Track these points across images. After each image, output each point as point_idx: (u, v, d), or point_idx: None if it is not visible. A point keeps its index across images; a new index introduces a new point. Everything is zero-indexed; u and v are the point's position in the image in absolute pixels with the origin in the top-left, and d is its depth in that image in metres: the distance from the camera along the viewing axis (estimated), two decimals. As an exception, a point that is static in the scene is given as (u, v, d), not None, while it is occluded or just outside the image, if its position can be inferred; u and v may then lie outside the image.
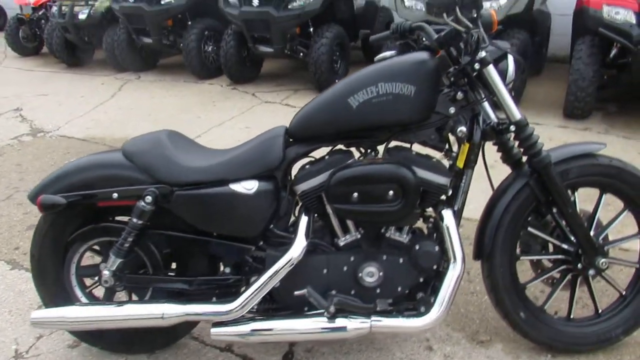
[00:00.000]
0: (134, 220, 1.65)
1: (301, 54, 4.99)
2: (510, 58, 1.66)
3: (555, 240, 1.77)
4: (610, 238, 1.84)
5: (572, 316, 1.83)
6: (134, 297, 1.85)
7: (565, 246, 1.76)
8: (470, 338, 1.94)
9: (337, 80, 4.67)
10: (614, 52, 3.92)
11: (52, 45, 6.57)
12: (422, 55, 1.61)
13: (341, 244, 1.72)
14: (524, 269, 1.95)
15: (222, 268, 1.77)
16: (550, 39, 5.59)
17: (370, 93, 1.58)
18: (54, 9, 6.19)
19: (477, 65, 1.57)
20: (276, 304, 1.76)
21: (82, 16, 6.01)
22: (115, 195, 1.67)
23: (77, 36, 6.23)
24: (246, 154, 1.69)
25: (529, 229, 1.78)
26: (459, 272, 1.64)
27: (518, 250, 1.82)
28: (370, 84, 1.58)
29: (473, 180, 1.69)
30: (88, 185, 1.69)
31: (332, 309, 1.64)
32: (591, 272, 1.75)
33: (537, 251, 1.83)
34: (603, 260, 1.72)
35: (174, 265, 1.85)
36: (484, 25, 1.52)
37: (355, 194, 1.59)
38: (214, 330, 1.67)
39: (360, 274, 1.68)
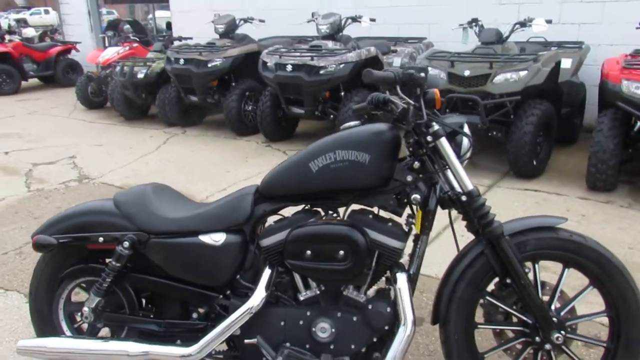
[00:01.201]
0: (113, 262, 1.83)
1: (331, 116, 5.22)
2: (466, 130, 1.76)
3: (515, 311, 1.78)
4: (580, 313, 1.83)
5: (537, 388, 1.80)
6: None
7: (525, 318, 1.76)
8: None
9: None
10: (638, 125, 3.87)
11: (113, 100, 7.23)
12: (379, 126, 1.74)
13: (301, 298, 1.82)
14: (489, 338, 1.95)
15: (192, 314, 1.90)
16: (586, 109, 5.55)
17: (328, 159, 1.72)
18: (117, 68, 6.86)
19: (429, 138, 1.68)
20: (237, 352, 1.85)
21: (140, 75, 6.62)
22: (101, 239, 1.86)
23: (134, 93, 6.83)
24: (218, 208, 1.85)
25: (488, 298, 1.80)
26: (409, 333, 1.68)
27: (482, 319, 1.84)
28: (329, 151, 1.72)
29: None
30: (80, 228, 1.90)
31: (279, 359, 1.72)
32: (547, 346, 1.73)
33: (499, 321, 1.84)
34: (557, 335, 1.70)
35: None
36: (428, 103, 1.64)
37: (309, 252, 1.70)
38: (175, 375, 1.79)
39: (313, 329, 1.76)
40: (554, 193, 4.06)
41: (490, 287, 1.83)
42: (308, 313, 1.78)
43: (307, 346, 1.78)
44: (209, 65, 5.85)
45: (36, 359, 1.90)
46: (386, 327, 1.74)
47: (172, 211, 1.88)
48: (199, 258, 1.81)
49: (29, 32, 11.61)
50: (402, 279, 1.72)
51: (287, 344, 1.78)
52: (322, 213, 1.83)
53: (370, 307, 1.75)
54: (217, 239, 1.81)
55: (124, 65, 6.78)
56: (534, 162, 4.23)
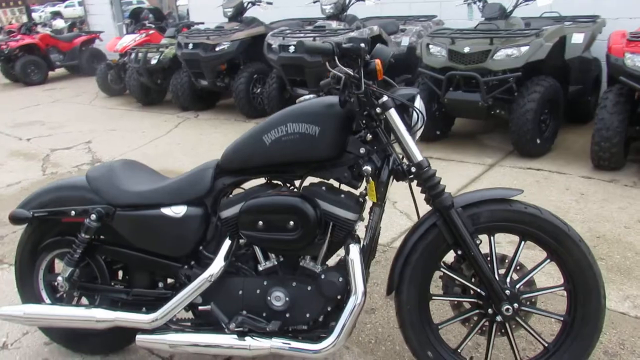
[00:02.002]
0: (82, 234, 1.92)
1: (337, 97, 5.21)
2: (419, 101, 1.75)
3: (471, 283, 1.78)
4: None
5: (489, 358, 1.80)
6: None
7: (479, 290, 1.76)
8: (392, 375, 1.96)
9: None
10: (643, 101, 3.73)
11: (130, 87, 7.40)
12: (331, 99, 1.75)
13: (260, 269, 1.87)
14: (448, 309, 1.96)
15: (159, 283, 1.98)
16: (602, 87, 5.36)
17: (280, 132, 1.75)
18: (132, 55, 7.02)
19: (378, 110, 1.69)
20: (199, 320, 1.92)
21: (154, 61, 6.75)
22: (72, 212, 1.95)
23: (149, 79, 6.98)
24: (180, 182, 1.91)
25: (443, 269, 1.81)
26: (359, 303, 1.71)
27: (442, 291, 1.85)
28: (281, 124, 1.75)
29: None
30: (54, 203, 2.00)
31: (232, 326, 1.78)
32: (498, 318, 1.73)
33: (456, 293, 1.84)
34: (507, 307, 1.69)
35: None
36: (369, 74, 1.64)
37: (260, 222, 1.74)
38: (138, 337, 1.87)
39: (269, 298, 1.81)
40: (557, 172, 3.97)
41: (451, 259, 1.84)
42: (265, 283, 1.83)
43: (264, 314, 1.83)
44: (217, 49, 5.91)
45: (19, 324, 2.01)
46: (339, 297, 1.77)
47: (137, 185, 1.95)
48: (161, 230, 1.87)
49: (59, 23, 11.99)
50: (354, 250, 1.75)
51: (244, 312, 1.83)
52: (281, 186, 1.86)
53: (323, 277, 1.78)
54: (177, 211, 1.87)
55: (138, 52, 6.92)
56: (538, 141, 4.14)
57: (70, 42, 10.90)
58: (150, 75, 6.94)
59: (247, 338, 1.77)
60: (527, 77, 4.09)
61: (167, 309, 1.84)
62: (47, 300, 2.11)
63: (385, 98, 1.68)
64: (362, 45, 1.59)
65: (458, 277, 1.79)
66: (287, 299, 1.80)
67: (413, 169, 1.70)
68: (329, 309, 1.80)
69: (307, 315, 1.81)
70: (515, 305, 1.72)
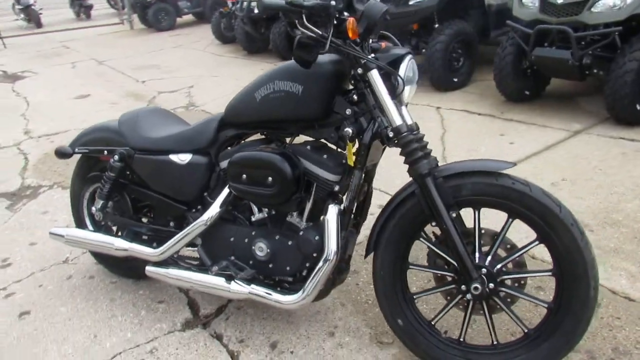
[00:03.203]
0: (108, 172, 2.17)
1: (423, 51, 4.98)
2: (406, 63, 1.66)
3: (448, 256, 1.71)
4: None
5: (462, 339, 1.74)
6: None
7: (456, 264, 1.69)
8: (373, 336, 1.98)
9: (455, 80, 4.61)
10: None
11: (237, 35, 7.75)
12: (319, 58, 1.72)
13: (253, 219, 1.97)
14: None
15: (170, 223, 2.18)
16: None
17: (268, 89, 1.78)
18: (239, 4, 7.29)
19: (360, 70, 1.64)
20: (200, 260, 2.10)
21: (256, 10, 6.96)
22: (105, 152, 2.21)
23: (252, 28, 7.23)
24: (189, 131, 2.05)
25: (422, 239, 1.75)
26: (328, 262, 1.74)
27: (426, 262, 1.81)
28: (270, 81, 1.78)
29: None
30: (93, 142, 2.27)
31: (214, 268, 1.92)
32: (468, 296, 1.65)
33: (439, 265, 1.78)
34: (476, 285, 1.60)
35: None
36: (342, 33, 1.57)
37: (244, 175, 1.82)
38: (147, 268, 2.11)
39: (253, 247, 1.91)
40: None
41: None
42: (253, 233, 1.93)
43: (250, 262, 1.94)
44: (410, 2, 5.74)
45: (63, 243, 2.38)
46: (314, 255, 1.81)
47: (155, 132, 2.13)
48: (169, 174, 2.05)
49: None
50: (332, 210, 1.76)
51: (232, 258, 1.97)
52: (270, 142, 1.91)
53: (301, 233, 1.83)
54: (183, 158, 2.02)
55: (243, 1, 7.17)
56: (638, 107, 3.61)
57: (198, -11, 11.60)
58: (253, 24, 7.19)
59: (232, 282, 1.91)
60: (631, 33, 3.52)
61: (168, 245, 2.04)
62: (90, 227, 2.44)
63: (370, 56, 1.62)
64: (332, 2, 1.53)
65: (436, 248, 1.73)
66: (268, 250, 1.89)
67: (390, 134, 1.64)
68: (307, 264, 1.85)
69: (288, 268, 1.88)
70: (491, 285, 1.62)
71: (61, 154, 2.25)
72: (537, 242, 1.62)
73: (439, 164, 1.67)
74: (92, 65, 8.20)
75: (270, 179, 1.77)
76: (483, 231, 1.72)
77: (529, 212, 1.57)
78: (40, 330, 2.19)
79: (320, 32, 1.55)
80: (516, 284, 1.70)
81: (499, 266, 1.65)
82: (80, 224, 2.47)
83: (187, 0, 11.51)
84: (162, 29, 11.09)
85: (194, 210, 2.09)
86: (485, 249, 1.69)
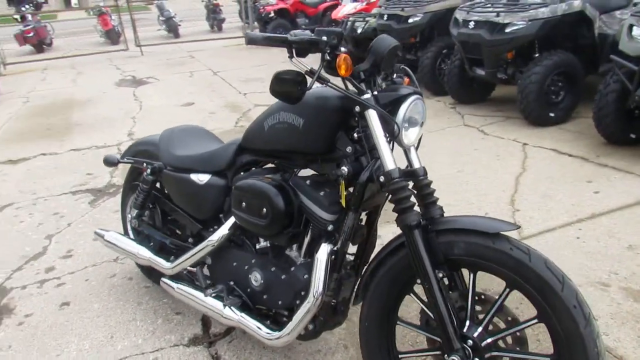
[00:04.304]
0: (141, 184, 2.30)
1: (519, 81, 4.63)
2: (408, 104, 1.54)
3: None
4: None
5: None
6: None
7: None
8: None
9: (551, 115, 4.26)
10: None
11: (340, 53, 7.86)
12: (325, 91, 1.67)
13: (257, 247, 1.96)
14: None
15: (189, 239, 2.25)
16: None
17: (275, 119, 1.77)
18: (344, 23, 7.39)
19: (357, 108, 1.55)
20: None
21: (359, 30, 7.00)
22: (144, 164, 2.35)
23: (355, 48, 7.27)
24: (210, 153, 2.10)
25: (412, 295, 1.60)
26: (310, 305, 1.66)
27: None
28: (277, 111, 1.77)
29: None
30: (138, 154, 2.43)
31: (209, 291, 1.94)
32: (448, 367, 1.46)
33: (430, 326, 1.62)
34: (453, 358, 1.42)
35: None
36: (332, 69, 1.50)
37: (244, 203, 1.82)
38: (162, 279, 2.19)
39: (250, 276, 1.90)
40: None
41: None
42: (253, 261, 1.92)
43: (248, 290, 1.93)
44: (409, 21, 5.79)
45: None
46: (302, 293, 1.74)
47: (183, 150, 2.21)
48: (188, 192, 2.12)
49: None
50: (323, 250, 1.68)
51: (231, 283, 1.97)
52: (276, 172, 1.89)
53: (292, 269, 1.78)
54: (202, 178, 2.07)
55: (348, 21, 7.26)
56: None
57: (316, 8, 12.00)
58: (356, 44, 7.23)
59: (226, 307, 1.91)
60: None
61: (180, 260, 2.10)
62: (131, 233, 2.60)
63: (367, 96, 1.54)
64: (324, 38, 1.47)
65: (427, 308, 1.57)
66: (262, 281, 1.86)
67: (382, 178, 1.53)
68: (297, 301, 1.79)
69: (280, 302, 1.83)
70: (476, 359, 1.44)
71: (108, 162, 2.43)
72: (536, 321, 1.40)
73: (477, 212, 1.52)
74: (207, 75, 8.83)
75: (264, 209, 1.74)
76: (483, 297, 1.54)
77: (527, 284, 1.37)
78: (70, 323, 2.38)
79: (308, 68, 1.50)
80: (511, 361, 1.49)
81: (489, 340, 1.45)
82: (125, 229, 2.65)
83: (305, 18, 11.95)
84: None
85: (210, 229, 2.13)
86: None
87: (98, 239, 2.55)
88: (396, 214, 1.52)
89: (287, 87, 1.50)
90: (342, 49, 1.53)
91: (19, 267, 2.94)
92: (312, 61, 1.36)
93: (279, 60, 9.67)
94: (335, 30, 1.51)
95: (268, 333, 1.78)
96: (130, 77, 9.07)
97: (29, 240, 3.26)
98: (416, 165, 1.61)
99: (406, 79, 1.75)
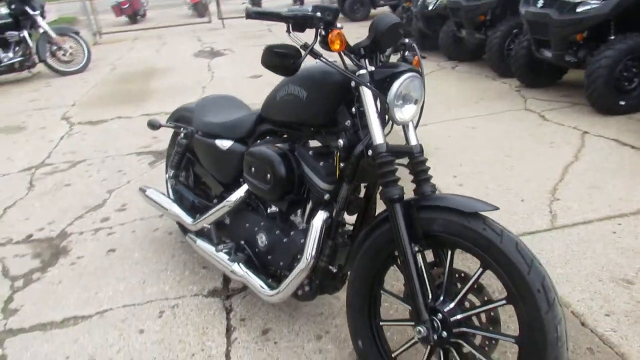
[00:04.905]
0: (176, 147, 2.50)
1: (588, 65, 4.34)
2: (401, 82, 1.56)
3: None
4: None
5: (418, 382, 1.62)
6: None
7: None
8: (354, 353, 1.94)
9: (622, 103, 4.02)
10: None
11: (411, 30, 7.72)
12: (324, 66, 1.73)
13: (268, 211, 2.10)
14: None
15: (214, 200, 2.42)
16: None
17: (284, 91, 1.87)
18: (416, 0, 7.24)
19: (352, 83, 1.61)
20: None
21: (431, 7, 6.83)
22: (182, 129, 2.55)
23: (424, 25, 7.12)
24: (234, 121, 2.24)
25: (396, 266, 1.66)
26: (303, 268, 1.78)
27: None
28: (287, 83, 1.86)
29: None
30: (178, 119, 2.63)
31: (220, 247, 2.10)
32: (414, 338, 1.51)
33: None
34: (420, 329, 1.47)
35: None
36: (326, 44, 1.54)
37: (253, 168, 1.95)
38: (187, 234, 2.40)
39: (257, 236, 2.04)
40: None
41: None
42: (262, 223, 2.05)
43: (255, 250, 2.07)
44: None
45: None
46: (298, 256, 1.85)
47: (213, 117, 2.37)
48: (213, 157, 2.28)
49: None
50: (319, 217, 1.78)
51: (242, 242, 2.12)
52: (285, 141, 1.99)
53: (292, 233, 1.89)
54: (225, 144, 2.22)
55: (420, -3, 7.10)
56: None
57: (395, -16, 11.76)
58: (426, 21, 7.07)
59: (235, 263, 2.07)
60: None
61: (201, 218, 2.28)
62: (169, 192, 2.83)
63: (362, 72, 1.59)
64: (318, 14, 1.53)
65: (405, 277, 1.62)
66: (266, 242, 1.99)
67: (370, 152, 1.58)
68: (295, 264, 1.91)
69: (281, 263, 1.96)
70: (444, 333, 1.48)
71: (152, 125, 2.65)
72: (504, 302, 1.42)
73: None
74: (280, 49, 9.03)
75: (268, 175, 1.86)
76: (463, 275, 1.57)
77: (497, 265, 1.39)
78: (112, 267, 2.66)
79: (302, 43, 1.57)
80: (487, 343, 1.51)
81: (459, 316, 1.48)
82: (167, 188, 2.88)
83: (385, -7, 11.79)
84: (355, 20, 11.59)
85: (231, 192, 2.28)
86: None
87: (140, 195, 2.81)
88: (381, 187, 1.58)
89: (277, 60, 1.58)
90: (338, 25, 1.58)
91: (81, 215, 3.30)
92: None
93: (353, 35, 9.64)
94: (331, 7, 1.56)
95: (265, 290, 1.91)
96: (209, 49, 9.50)
97: (93, 193, 3.63)
98: (413, 142, 1.64)
99: (415, 58, 1.78)
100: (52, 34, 7.80)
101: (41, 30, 7.75)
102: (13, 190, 3.81)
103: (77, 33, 8.23)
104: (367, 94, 1.57)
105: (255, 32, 11.35)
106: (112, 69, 8.28)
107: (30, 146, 4.80)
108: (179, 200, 2.64)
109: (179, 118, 2.63)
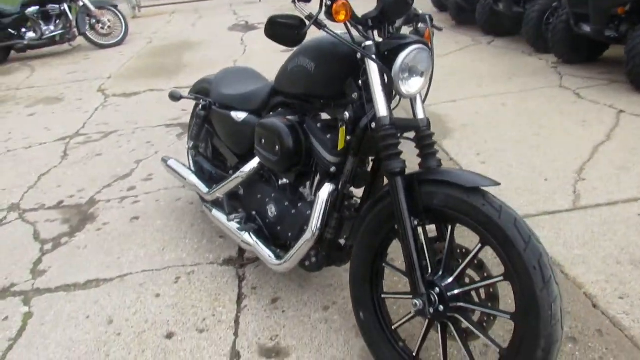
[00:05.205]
0: (195, 118, 2.55)
1: (628, 40, 4.12)
2: (406, 54, 1.53)
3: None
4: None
5: (416, 354, 1.63)
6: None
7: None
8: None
9: None
10: None
11: (448, 3, 7.50)
12: (331, 38, 1.71)
13: (280, 182, 2.12)
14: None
15: (230, 170, 2.47)
16: None
17: (294, 63, 1.87)
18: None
19: (358, 55, 1.60)
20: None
21: (467, -21, 6.60)
22: (201, 100, 2.59)
23: (462, -2, 6.91)
24: (249, 94, 2.26)
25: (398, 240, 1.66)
26: (308, 239, 1.80)
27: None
28: (296, 55, 1.87)
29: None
30: (198, 91, 2.67)
31: (231, 217, 2.15)
32: (412, 312, 1.53)
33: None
34: (416, 302, 1.48)
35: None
36: (330, 15, 1.52)
37: (263, 140, 1.97)
38: (204, 203, 2.46)
39: (267, 207, 2.07)
40: None
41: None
42: (272, 194, 2.09)
43: (266, 221, 2.11)
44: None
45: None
46: (305, 228, 1.87)
47: (230, 89, 2.40)
48: (228, 128, 2.32)
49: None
50: (325, 189, 1.80)
51: (254, 212, 2.16)
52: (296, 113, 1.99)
53: (299, 205, 1.92)
54: (240, 116, 2.25)
55: (458, -31, 6.85)
56: None
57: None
58: (464, -6, 6.85)
59: (245, 233, 2.12)
60: None
61: (215, 188, 2.34)
62: (191, 162, 2.89)
63: (368, 43, 1.57)
64: (322, -17, 1.51)
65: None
66: (276, 213, 2.02)
67: (373, 124, 1.58)
68: (302, 235, 1.93)
69: (289, 234, 1.99)
70: (441, 307, 1.48)
71: (173, 97, 2.71)
72: (502, 278, 1.41)
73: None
74: (314, 23, 8.94)
75: (276, 147, 1.88)
76: (464, 250, 1.56)
77: (495, 241, 1.37)
78: (135, 234, 2.77)
79: (307, 13, 1.56)
80: (485, 319, 1.51)
81: (457, 291, 1.48)
82: (188, 159, 2.95)
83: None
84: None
85: (245, 163, 2.32)
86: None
87: (162, 165, 2.88)
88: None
89: (281, 31, 1.58)
90: (344, -5, 1.55)
91: (109, 184, 3.42)
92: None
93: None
94: (338, -23, 1.53)
95: (272, 259, 1.96)
96: (243, 22, 9.51)
97: (122, 163, 3.76)
98: (420, 115, 1.62)
99: (427, 30, 1.75)
100: (92, 8, 7.99)
101: (80, 4, 7.93)
102: (48, 158, 3.98)
103: (115, 7, 8.38)
104: (371, 66, 1.55)
105: (291, 5, 11.23)
106: (148, 42, 8.42)
107: (66, 117, 4.98)
108: (200, 171, 2.70)
109: (200, 90, 2.67)
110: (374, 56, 1.53)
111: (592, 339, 1.80)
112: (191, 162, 2.87)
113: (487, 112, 4.06)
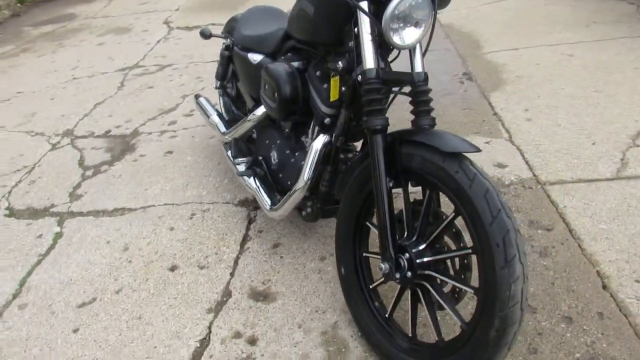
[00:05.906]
0: (220, 58, 2.54)
1: None
2: (396, 2, 1.41)
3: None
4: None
5: (387, 315, 1.61)
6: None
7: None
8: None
9: None
10: None
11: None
12: None
13: (286, 131, 2.10)
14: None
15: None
16: None
17: (297, 7, 1.79)
18: None
19: (350, 2, 1.49)
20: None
21: None
22: (228, 40, 2.57)
23: None
24: (265, 35, 2.21)
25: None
26: (298, 189, 1.80)
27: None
28: (301, -1, 1.77)
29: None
30: (229, 30, 2.64)
31: (237, 160, 2.19)
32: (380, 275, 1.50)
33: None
34: (383, 265, 1.44)
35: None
36: None
37: (266, 85, 1.94)
38: (223, 143, 2.50)
39: (271, 154, 2.07)
40: None
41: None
42: (277, 141, 2.08)
43: (271, 167, 2.12)
44: None
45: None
46: (298, 177, 1.86)
47: (251, 30, 2.35)
48: (245, 70, 2.30)
49: None
50: (318, 140, 1.77)
51: (260, 158, 2.17)
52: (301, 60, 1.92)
53: (297, 154, 1.90)
54: (256, 58, 2.22)
55: None
56: None
57: None
58: None
59: (248, 177, 2.14)
60: None
61: (231, 129, 2.37)
62: (220, 102, 2.92)
63: (359, -7, 1.46)
64: None
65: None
66: (277, 160, 2.02)
67: (359, 77, 1.49)
68: (298, 184, 1.93)
69: (289, 182, 1.99)
70: (409, 274, 1.44)
71: (203, 34, 2.70)
72: (469, 251, 1.33)
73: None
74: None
75: (276, 93, 1.84)
76: (444, 217, 1.48)
77: (465, 211, 1.29)
78: (165, 167, 2.90)
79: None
80: (457, 291, 1.45)
81: (427, 259, 1.43)
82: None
83: None
84: None
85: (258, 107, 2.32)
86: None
87: (194, 101, 2.94)
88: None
89: None
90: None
91: (153, 117, 3.57)
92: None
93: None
94: None
95: (267, 204, 1.98)
96: None
97: (170, 96, 3.88)
98: (418, 69, 1.51)
99: None
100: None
101: None
102: (106, 88, 4.19)
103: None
104: (361, 15, 1.45)
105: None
106: (219, -26, 8.39)
107: (130, 48, 5.17)
108: (226, 112, 2.73)
109: (230, 29, 2.64)
110: (362, 4, 1.42)
111: (589, 322, 1.69)
112: (220, 102, 2.90)
113: (550, 63, 3.70)
